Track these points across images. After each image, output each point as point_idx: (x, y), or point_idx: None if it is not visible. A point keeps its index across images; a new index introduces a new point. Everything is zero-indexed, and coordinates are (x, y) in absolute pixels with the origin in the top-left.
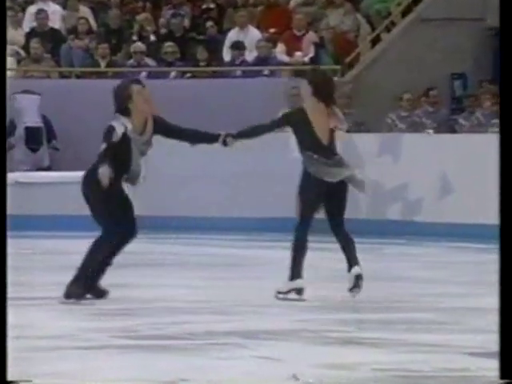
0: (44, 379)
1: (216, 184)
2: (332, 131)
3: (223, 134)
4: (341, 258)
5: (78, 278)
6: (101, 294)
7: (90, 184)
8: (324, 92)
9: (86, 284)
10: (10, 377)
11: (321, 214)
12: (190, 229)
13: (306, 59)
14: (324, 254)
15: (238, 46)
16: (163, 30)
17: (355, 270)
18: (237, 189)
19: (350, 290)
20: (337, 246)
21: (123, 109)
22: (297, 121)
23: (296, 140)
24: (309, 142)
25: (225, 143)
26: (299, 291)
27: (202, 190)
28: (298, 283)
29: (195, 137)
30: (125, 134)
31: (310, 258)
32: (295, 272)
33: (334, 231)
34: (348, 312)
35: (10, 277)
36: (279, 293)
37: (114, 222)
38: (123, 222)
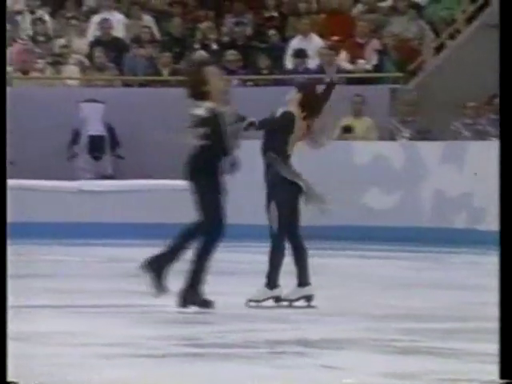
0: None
1: None
2: (294, 143)
3: (248, 120)
4: (396, 264)
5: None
6: (206, 304)
7: (191, 172)
8: (309, 106)
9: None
10: (10, 377)
11: (364, 222)
12: (255, 237)
13: (369, 67)
14: (375, 262)
15: (300, 54)
16: (225, 38)
17: (307, 290)
18: None
19: (290, 301)
20: (389, 253)
21: (201, 93)
22: (288, 121)
23: (267, 137)
24: (280, 145)
25: (246, 129)
26: (277, 299)
27: (261, 196)
28: (277, 291)
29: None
30: (212, 111)
31: (362, 265)
32: (274, 280)
33: (290, 238)
34: (412, 321)
35: (76, 284)
36: (251, 301)
37: (210, 212)
38: (216, 216)
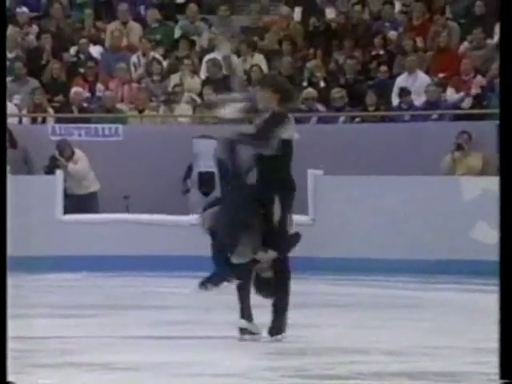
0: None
1: (390, 225)
2: None
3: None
4: None
5: None
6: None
7: None
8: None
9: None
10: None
11: (472, 256)
12: (365, 270)
13: (475, 103)
14: (481, 296)
15: (403, 93)
16: (333, 76)
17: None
18: (410, 229)
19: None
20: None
21: None
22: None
23: None
24: None
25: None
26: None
27: (373, 230)
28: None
29: None
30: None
31: (468, 298)
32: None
33: None
34: None
35: (186, 316)
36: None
37: None
38: None
